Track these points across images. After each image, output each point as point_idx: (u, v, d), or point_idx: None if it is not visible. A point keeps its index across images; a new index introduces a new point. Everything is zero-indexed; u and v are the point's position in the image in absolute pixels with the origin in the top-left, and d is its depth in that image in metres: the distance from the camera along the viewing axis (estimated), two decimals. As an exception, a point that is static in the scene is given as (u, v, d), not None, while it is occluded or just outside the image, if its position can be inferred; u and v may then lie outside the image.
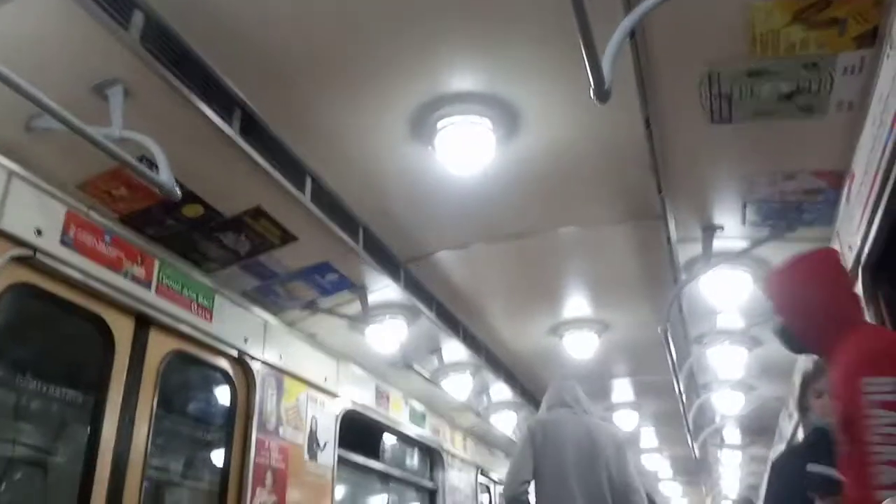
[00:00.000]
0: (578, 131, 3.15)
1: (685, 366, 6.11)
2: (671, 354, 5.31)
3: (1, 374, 2.93)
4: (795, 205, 3.58)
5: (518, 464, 3.89)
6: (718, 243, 3.97)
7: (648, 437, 9.92)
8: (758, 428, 8.87)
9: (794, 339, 2.29)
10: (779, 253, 4.10)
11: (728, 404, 7.54)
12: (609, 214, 3.86)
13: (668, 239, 3.89)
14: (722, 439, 10.23)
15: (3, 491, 2.99)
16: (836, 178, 3.33)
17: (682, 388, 6.36)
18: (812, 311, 2.20)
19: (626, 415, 8.16)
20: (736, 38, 2.55)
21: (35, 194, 2.86)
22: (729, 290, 4.43)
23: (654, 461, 11.93)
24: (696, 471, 12.54)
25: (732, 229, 3.89)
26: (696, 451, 9.93)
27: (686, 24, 2.52)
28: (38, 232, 2.85)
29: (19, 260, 2.79)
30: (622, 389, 7.53)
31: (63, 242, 2.96)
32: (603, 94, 1.99)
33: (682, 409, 7.06)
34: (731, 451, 11.15)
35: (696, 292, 4.57)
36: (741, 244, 3.99)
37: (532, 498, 3.86)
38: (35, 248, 2.83)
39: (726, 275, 4.31)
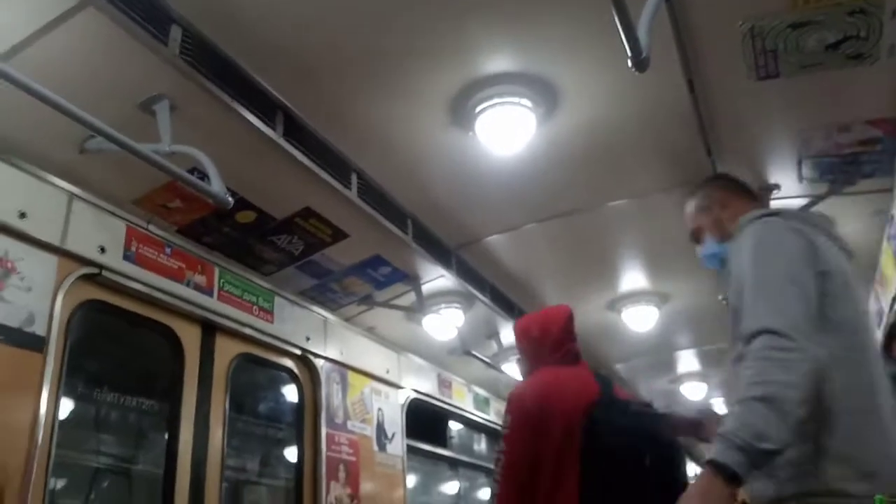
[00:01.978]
0: (620, 101, 3.09)
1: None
2: (735, 321, 5.18)
3: (81, 389, 3.07)
4: (852, 157, 3.45)
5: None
6: (776, 203, 3.85)
7: (719, 407, 9.73)
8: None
9: (525, 372, 2.84)
10: (840, 208, 3.97)
11: (799, 368, 7.31)
12: (659, 183, 3.79)
13: (723, 203, 3.80)
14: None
15: (93, 500, 3.13)
16: (893, 126, 3.20)
17: (749, 355, 6.21)
18: (527, 353, 2.81)
19: (695, 387, 8.02)
20: (776, -10, 2.47)
21: (95, 213, 2.98)
22: (791, 250, 4.31)
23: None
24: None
25: (789, 188, 3.78)
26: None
27: (722, -19, 2.45)
28: (102, 249, 2.96)
29: (87, 278, 2.91)
30: (688, 361, 7.39)
31: (126, 258, 3.07)
32: (641, 63, 1.95)
33: (751, 375, 6.88)
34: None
35: (756, 255, 4.45)
36: (800, 202, 3.86)
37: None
38: (101, 266, 2.95)
39: (787, 235, 4.18)
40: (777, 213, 1.97)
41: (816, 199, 3.80)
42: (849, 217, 4.13)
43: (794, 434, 1.53)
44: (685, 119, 3.15)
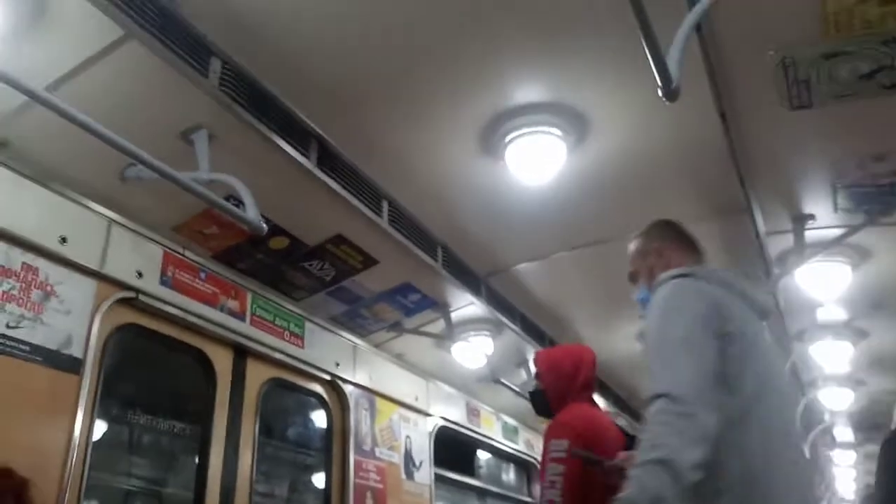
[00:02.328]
0: (651, 131, 3.10)
1: (787, 364, 5.85)
2: (770, 353, 5.09)
3: (114, 412, 3.11)
4: (889, 187, 3.40)
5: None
6: (811, 233, 3.80)
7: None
8: (871, 424, 8.38)
9: (544, 402, 2.92)
10: (877, 238, 3.91)
11: (836, 401, 7.16)
12: (691, 213, 3.74)
13: (757, 233, 3.76)
14: (833, 439, 9.71)
15: (124, 522, 3.16)
16: (930, 156, 3.15)
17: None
18: (552, 385, 2.89)
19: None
20: (807, 21, 2.46)
21: (134, 239, 3.04)
22: (827, 281, 4.24)
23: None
24: (807, 473, 11.92)
25: (824, 218, 3.73)
26: (807, 452, 9.45)
27: (753, 11, 2.46)
28: (139, 274, 3.02)
29: (124, 302, 2.97)
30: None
31: (163, 282, 3.13)
32: (671, 93, 1.96)
33: (786, 409, 6.74)
34: (843, 451, 10.57)
35: (791, 286, 4.38)
36: (835, 233, 3.81)
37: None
38: (138, 290, 3.00)
39: (822, 266, 4.12)
40: (688, 274, 1.96)
41: (852, 230, 3.74)
42: (886, 247, 4.06)
43: (689, 497, 1.53)
44: (717, 148, 3.13)
